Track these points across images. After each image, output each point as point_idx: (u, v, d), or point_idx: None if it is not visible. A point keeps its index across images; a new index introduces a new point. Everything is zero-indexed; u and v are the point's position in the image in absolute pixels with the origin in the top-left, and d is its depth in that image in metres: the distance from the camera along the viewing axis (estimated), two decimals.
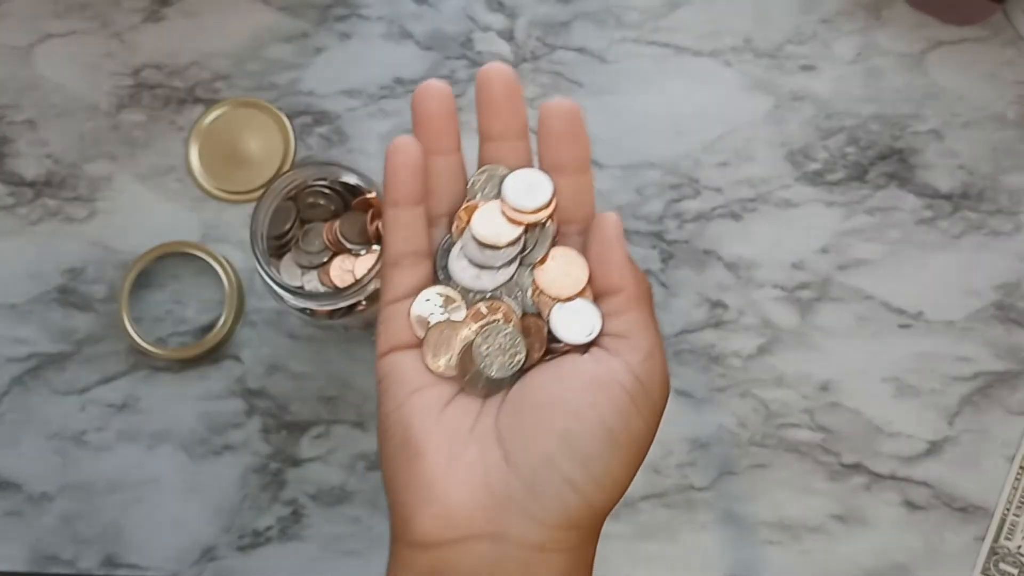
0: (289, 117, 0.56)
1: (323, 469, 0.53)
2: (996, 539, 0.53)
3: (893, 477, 0.53)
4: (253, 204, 0.46)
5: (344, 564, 0.53)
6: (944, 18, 0.57)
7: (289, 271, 0.49)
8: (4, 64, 0.57)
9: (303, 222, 0.49)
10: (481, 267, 0.35)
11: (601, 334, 0.34)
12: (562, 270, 0.35)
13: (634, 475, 0.33)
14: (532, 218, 0.35)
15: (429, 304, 0.35)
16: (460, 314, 0.35)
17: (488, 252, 0.35)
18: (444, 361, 0.35)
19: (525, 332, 0.35)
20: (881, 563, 0.53)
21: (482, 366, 0.34)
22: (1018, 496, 0.53)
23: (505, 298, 0.35)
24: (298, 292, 0.46)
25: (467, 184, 0.37)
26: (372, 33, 0.57)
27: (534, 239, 0.35)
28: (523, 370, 0.34)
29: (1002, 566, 0.53)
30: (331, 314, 0.48)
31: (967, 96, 0.57)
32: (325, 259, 0.49)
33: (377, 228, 0.48)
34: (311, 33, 0.57)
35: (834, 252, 0.55)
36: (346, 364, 0.54)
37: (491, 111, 0.35)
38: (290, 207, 0.48)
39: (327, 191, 0.49)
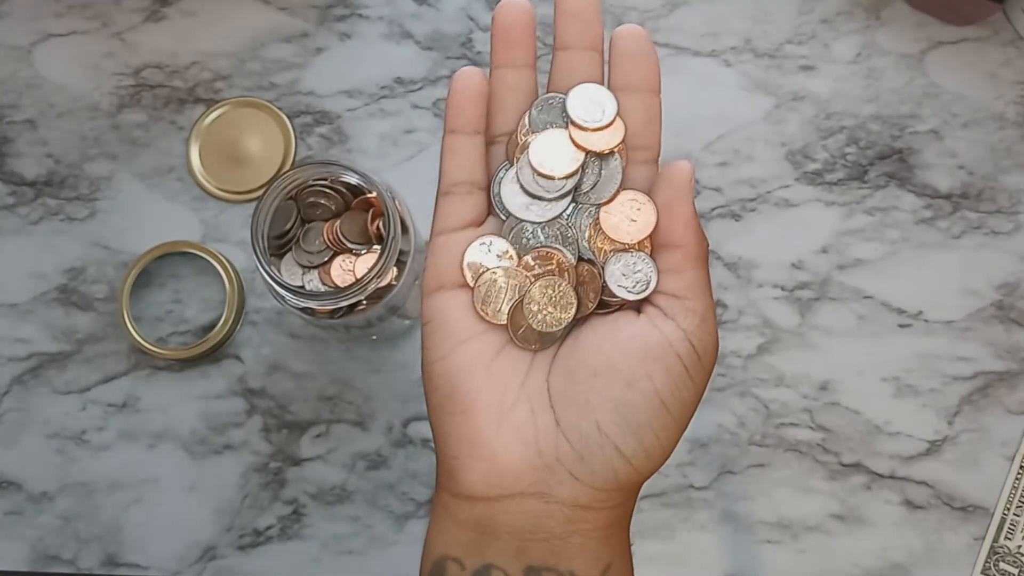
0: (289, 117, 0.56)
1: (323, 468, 0.53)
2: (996, 539, 0.53)
3: (893, 477, 0.53)
4: (254, 204, 0.47)
5: (344, 563, 0.53)
6: (944, 18, 0.57)
7: (290, 271, 0.49)
8: (5, 64, 0.57)
9: (304, 222, 0.49)
10: (533, 197, 0.34)
11: (657, 291, 0.33)
12: (629, 214, 0.33)
13: (679, 440, 0.33)
14: (596, 140, 0.33)
15: (483, 250, 0.34)
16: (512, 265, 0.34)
17: (543, 182, 0.33)
18: (493, 310, 0.33)
19: (579, 282, 0.34)
20: (881, 563, 0.53)
21: (533, 321, 0.33)
22: (1018, 496, 0.53)
23: (557, 246, 0.34)
24: (299, 292, 0.46)
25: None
26: (372, 33, 0.57)
27: (595, 174, 0.34)
28: (577, 321, 0.33)
29: (1002, 566, 0.53)
30: (332, 313, 0.48)
31: (967, 96, 0.57)
32: (326, 259, 0.49)
33: (378, 227, 0.48)
34: (311, 33, 0.57)
35: (834, 252, 0.55)
36: (347, 364, 0.54)
37: (567, 18, 0.34)
38: (291, 207, 0.48)
39: (328, 191, 0.49)
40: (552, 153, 0.33)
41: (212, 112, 0.56)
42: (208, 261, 0.54)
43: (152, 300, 0.55)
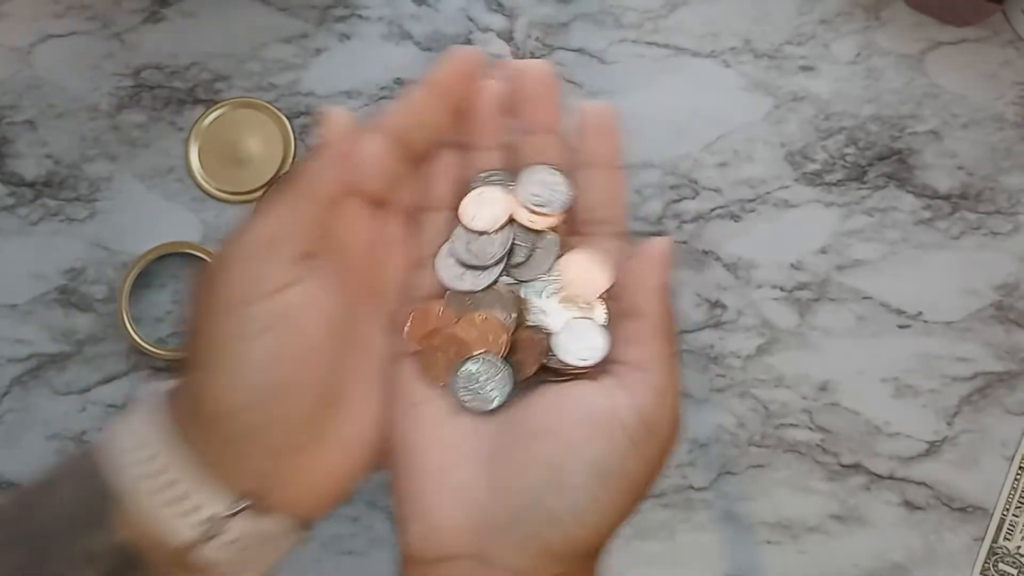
0: (289, 118, 0.56)
1: None
2: (995, 539, 0.53)
3: (892, 477, 0.53)
4: (253, 205, 0.47)
5: (344, 564, 0.53)
6: (943, 19, 0.57)
7: None
8: (4, 64, 0.57)
9: None
10: (467, 267, 0.34)
11: (616, 360, 0.33)
12: (583, 269, 0.34)
13: (628, 514, 0.32)
14: (539, 221, 0.34)
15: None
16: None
17: (475, 246, 0.33)
18: (433, 377, 0.34)
19: (516, 348, 0.33)
20: (880, 563, 0.53)
21: (461, 397, 0.33)
22: (1017, 496, 0.53)
23: (496, 311, 0.34)
24: None
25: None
26: (372, 34, 0.57)
27: (529, 249, 0.34)
28: (527, 386, 0.33)
29: (1001, 566, 0.53)
30: None
31: (966, 96, 0.57)
32: None
33: None
34: (311, 34, 0.57)
35: (833, 252, 0.55)
36: None
37: (525, 104, 0.35)
38: None
39: None
40: (486, 208, 0.33)
41: (212, 113, 0.56)
42: (208, 262, 0.54)
43: (152, 301, 0.55)
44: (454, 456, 0.33)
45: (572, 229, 0.35)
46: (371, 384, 0.34)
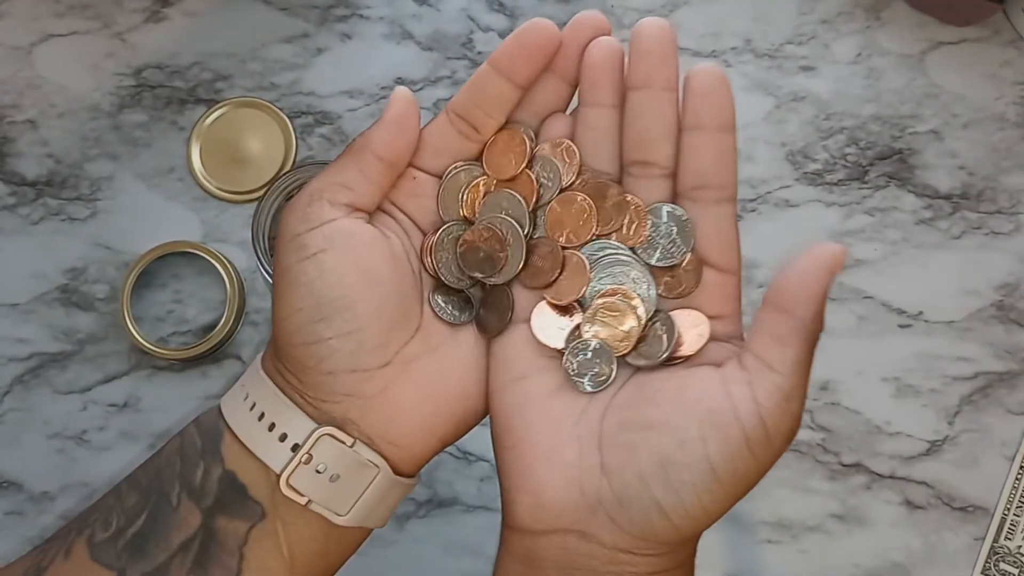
0: (290, 117, 0.56)
1: None
2: (996, 539, 0.53)
3: (893, 477, 0.53)
4: (254, 204, 0.47)
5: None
6: (944, 18, 0.57)
7: None
8: (5, 64, 0.57)
9: None
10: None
11: (752, 353, 0.32)
12: (684, 323, 0.33)
13: (732, 506, 0.32)
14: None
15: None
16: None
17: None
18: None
19: (643, 339, 0.33)
20: (880, 563, 0.53)
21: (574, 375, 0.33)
22: (1018, 496, 0.53)
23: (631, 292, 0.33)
24: None
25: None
26: (373, 33, 0.57)
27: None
28: (643, 370, 0.33)
29: (1002, 566, 0.53)
30: None
31: (967, 96, 0.57)
32: None
33: None
34: (312, 33, 0.57)
35: None
36: None
37: (638, 56, 0.33)
38: None
39: None
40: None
41: (213, 112, 0.56)
42: (209, 261, 0.54)
43: (153, 300, 0.55)
44: (564, 433, 0.33)
45: (679, 194, 0.34)
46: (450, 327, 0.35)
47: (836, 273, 0.32)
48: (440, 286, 0.35)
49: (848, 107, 0.57)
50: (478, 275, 0.34)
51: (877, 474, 0.53)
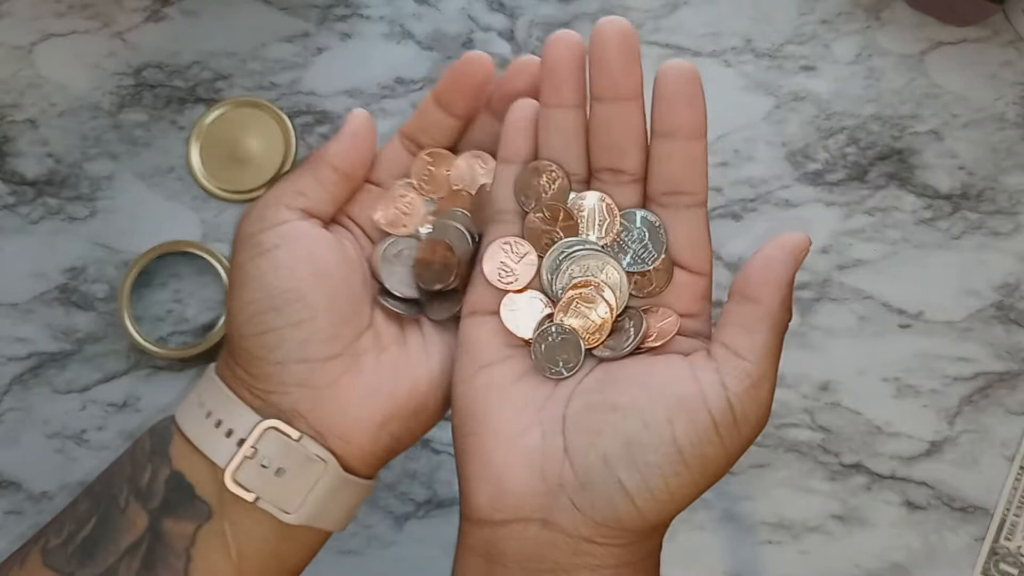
0: (290, 117, 0.56)
1: None
2: (996, 539, 0.53)
3: (893, 477, 0.53)
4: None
5: (343, 563, 0.53)
6: (944, 19, 0.57)
7: None
8: (5, 63, 0.57)
9: None
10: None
11: (720, 342, 0.32)
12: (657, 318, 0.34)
13: (699, 494, 0.32)
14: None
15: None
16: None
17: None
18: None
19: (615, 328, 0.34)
20: (881, 563, 0.53)
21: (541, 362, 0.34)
22: (1018, 496, 0.53)
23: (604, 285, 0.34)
24: None
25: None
26: (373, 33, 0.57)
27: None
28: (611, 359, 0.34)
29: (1002, 566, 0.53)
30: None
31: (967, 96, 0.57)
32: None
33: None
34: (312, 33, 0.57)
35: (834, 252, 0.55)
36: None
37: (598, 68, 0.33)
38: None
39: None
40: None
41: (213, 112, 0.56)
42: (208, 261, 0.54)
43: (152, 300, 0.55)
44: (528, 418, 0.33)
45: (650, 198, 0.34)
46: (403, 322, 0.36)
47: (801, 260, 0.32)
48: (385, 291, 0.36)
49: (848, 107, 0.57)
50: (439, 287, 0.35)
51: (877, 474, 0.53)
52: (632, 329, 0.33)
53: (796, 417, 0.54)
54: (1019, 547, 0.53)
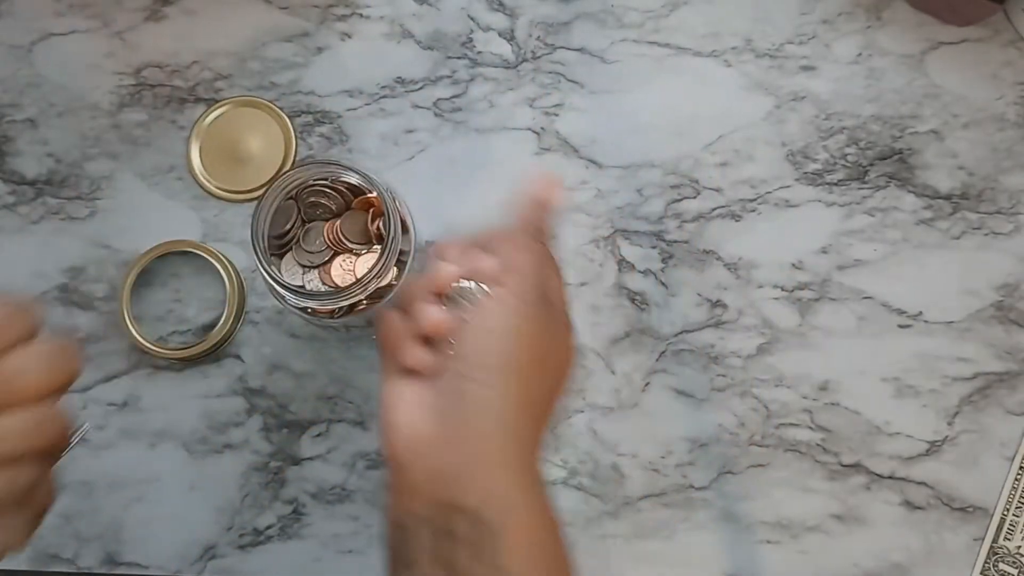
0: (290, 116, 0.56)
1: (323, 468, 0.53)
2: (995, 539, 0.53)
3: (892, 477, 0.54)
4: (254, 203, 0.47)
5: (344, 563, 0.53)
6: (944, 18, 0.57)
7: (290, 270, 0.49)
8: (5, 63, 0.57)
9: (304, 221, 0.49)
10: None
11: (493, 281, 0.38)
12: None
13: (544, 387, 0.38)
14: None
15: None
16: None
17: None
18: None
19: None
20: (880, 563, 0.53)
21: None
22: (1017, 496, 0.53)
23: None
24: (299, 291, 0.46)
25: None
26: (373, 33, 0.57)
27: None
28: None
29: (1001, 566, 0.53)
30: (332, 313, 0.48)
31: (967, 96, 0.57)
32: (326, 258, 0.49)
33: (378, 227, 0.48)
34: (312, 33, 0.57)
35: (834, 252, 0.55)
36: (347, 363, 0.54)
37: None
38: (291, 206, 0.48)
39: (328, 190, 0.49)
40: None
41: (213, 111, 0.56)
42: (208, 261, 0.54)
43: (153, 299, 0.55)
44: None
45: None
46: None
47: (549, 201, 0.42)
48: None
49: (848, 107, 0.57)
50: None
51: (877, 474, 0.53)
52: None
53: (796, 417, 0.54)
54: (1018, 547, 0.53)
